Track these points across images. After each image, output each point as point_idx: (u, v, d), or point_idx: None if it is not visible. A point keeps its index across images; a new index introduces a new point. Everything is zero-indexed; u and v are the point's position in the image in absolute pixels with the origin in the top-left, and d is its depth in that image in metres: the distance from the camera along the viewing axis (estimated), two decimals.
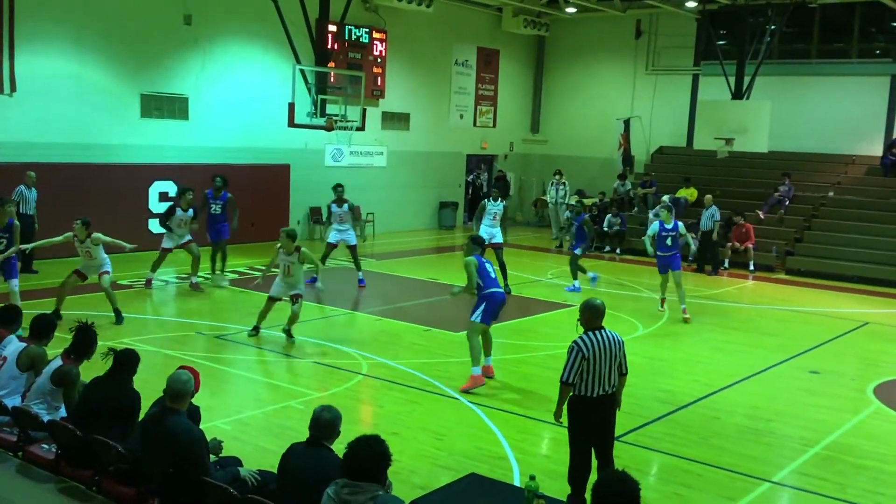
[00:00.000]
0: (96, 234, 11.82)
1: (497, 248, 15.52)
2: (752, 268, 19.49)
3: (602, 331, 6.50)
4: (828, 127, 22.94)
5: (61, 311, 11.30)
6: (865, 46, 23.48)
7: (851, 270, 18.91)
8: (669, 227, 14.23)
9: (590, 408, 6.42)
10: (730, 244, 19.73)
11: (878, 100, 22.55)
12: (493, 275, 9.89)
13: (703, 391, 10.21)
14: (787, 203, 21.54)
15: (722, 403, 9.87)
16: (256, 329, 11.60)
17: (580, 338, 6.45)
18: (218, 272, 15.54)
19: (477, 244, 10.25)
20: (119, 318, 11.83)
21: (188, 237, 14.79)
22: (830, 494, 7.31)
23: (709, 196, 20.05)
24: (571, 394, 6.46)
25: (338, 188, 15.75)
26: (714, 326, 13.79)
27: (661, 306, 14.64)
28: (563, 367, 6.42)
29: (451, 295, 10.65)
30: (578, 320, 6.61)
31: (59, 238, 11.98)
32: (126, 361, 6.32)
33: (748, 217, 20.25)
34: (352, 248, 15.70)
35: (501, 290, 9.99)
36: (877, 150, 22.35)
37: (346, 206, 15.55)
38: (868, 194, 21.34)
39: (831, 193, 21.88)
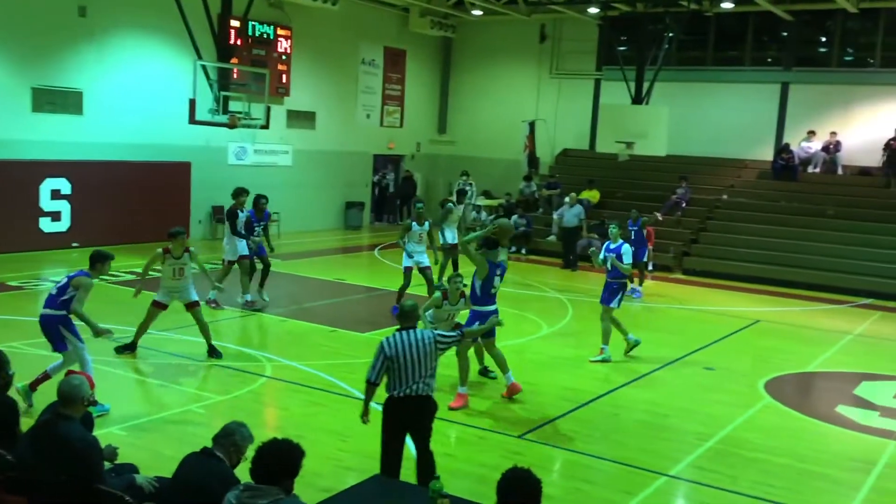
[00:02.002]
0: (193, 249, 10.46)
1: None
2: (650, 268, 20.06)
3: (411, 331, 6.53)
4: (722, 132, 23.81)
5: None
6: (758, 54, 24.50)
7: (743, 270, 19.66)
8: (613, 247, 11.95)
9: (398, 408, 6.43)
10: None
11: (769, 106, 23.53)
12: (496, 288, 9.55)
13: (604, 388, 10.45)
14: (683, 205, 22.25)
15: (622, 400, 10.12)
16: None
17: (385, 338, 6.53)
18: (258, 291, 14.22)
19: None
20: (215, 353, 10.65)
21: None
22: (723, 486, 7.58)
23: (573, 194, 20.72)
24: (387, 394, 6.47)
25: (418, 203, 14.65)
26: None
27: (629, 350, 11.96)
28: (370, 367, 6.50)
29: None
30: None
31: (152, 265, 10.80)
32: None
33: (647, 219, 20.76)
34: (426, 270, 14.03)
35: (492, 309, 9.52)
36: (768, 154, 23.31)
37: (427, 224, 13.99)
38: (759, 197, 22.24)
39: (725, 196, 22.71)
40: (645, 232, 17.25)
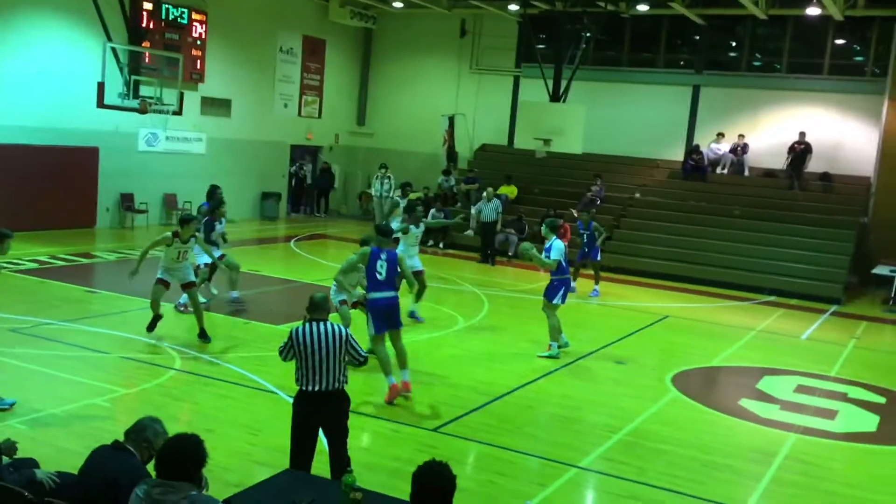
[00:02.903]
0: (198, 234, 11.23)
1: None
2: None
3: (322, 323, 6.44)
4: (636, 132, 24.34)
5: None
6: (671, 57, 25.12)
7: (654, 267, 20.14)
8: (545, 246, 11.80)
9: (310, 403, 6.35)
10: None
11: (681, 108, 24.16)
12: (381, 274, 9.24)
13: (518, 382, 10.55)
14: (598, 203, 22.65)
15: (536, 393, 10.26)
16: None
17: (296, 328, 6.48)
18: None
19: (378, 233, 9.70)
20: (205, 338, 11.06)
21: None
22: (631, 478, 7.75)
23: (490, 189, 20.96)
24: (298, 388, 6.41)
25: (417, 205, 13.98)
26: (530, 319, 14.17)
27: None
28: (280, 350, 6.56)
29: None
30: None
31: (154, 247, 11.06)
32: None
33: (564, 216, 21.11)
34: (419, 274, 13.17)
35: (385, 296, 9.29)
36: (679, 154, 23.95)
37: (422, 226, 13.61)
38: (670, 196, 22.83)
39: (637, 195, 23.24)
40: (597, 234, 17.13)
